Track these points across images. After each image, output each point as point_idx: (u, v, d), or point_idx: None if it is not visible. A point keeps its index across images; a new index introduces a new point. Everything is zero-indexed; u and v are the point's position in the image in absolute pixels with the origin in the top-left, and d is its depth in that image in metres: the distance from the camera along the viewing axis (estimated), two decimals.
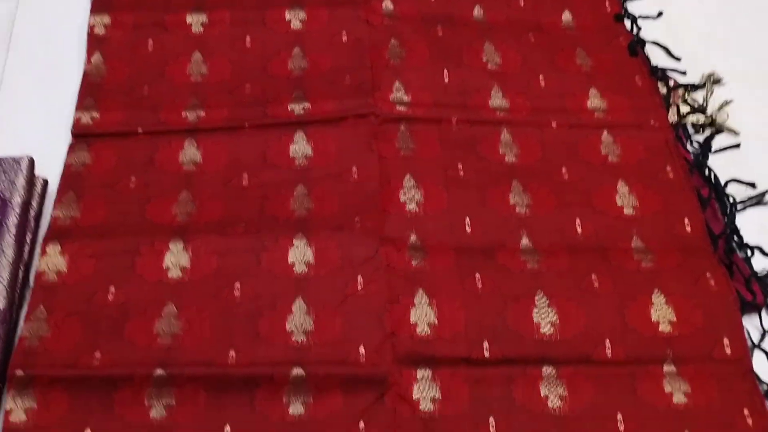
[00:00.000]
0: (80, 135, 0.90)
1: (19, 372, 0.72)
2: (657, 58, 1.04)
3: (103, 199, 0.85)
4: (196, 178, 0.88)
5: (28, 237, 0.82)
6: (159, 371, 0.73)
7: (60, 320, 0.76)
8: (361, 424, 0.73)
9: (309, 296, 0.79)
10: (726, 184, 0.92)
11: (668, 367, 0.77)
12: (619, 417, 0.74)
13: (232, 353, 0.75)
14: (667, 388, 0.76)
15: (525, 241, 0.85)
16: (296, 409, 0.73)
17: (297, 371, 0.74)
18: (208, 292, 0.79)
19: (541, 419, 0.74)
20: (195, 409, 0.72)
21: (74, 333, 0.75)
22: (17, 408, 0.71)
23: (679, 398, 0.76)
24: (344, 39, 1.00)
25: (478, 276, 0.82)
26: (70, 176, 0.87)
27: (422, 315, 0.79)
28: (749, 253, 0.87)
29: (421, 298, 0.80)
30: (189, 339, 0.76)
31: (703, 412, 0.75)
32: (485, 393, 0.75)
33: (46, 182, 0.87)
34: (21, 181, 0.83)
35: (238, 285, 0.80)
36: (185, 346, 0.75)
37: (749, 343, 0.79)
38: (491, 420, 0.74)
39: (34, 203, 0.84)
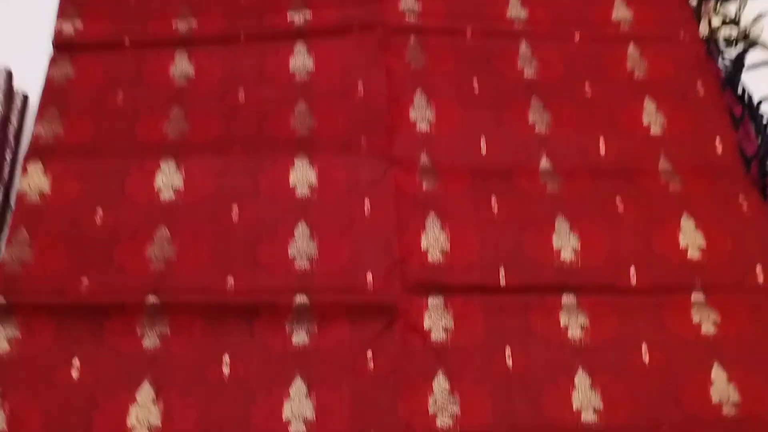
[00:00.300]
0: (62, 46, 0.83)
1: (1, 299, 0.67)
2: None
3: (89, 116, 0.79)
4: (188, 94, 0.81)
5: (8, 155, 0.76)
6: (152, 298, 0.68)
7: (44, 244, 0.71)
8: (369, 354, 0.68)
9: (312, 220, 0.74)
10: (760, 102, 0.85)
11: (697, 296, 0.72)
12: (644, 348, 0.70)
13: (231, 280, 0.70)
14: (695, 318, 0.71)
15: (544, 163, 0.78)
16: (299, 338, 0.68)
17: (300, 299, 0.69)
18: (203, 215, 0.73)
19: (560, 350, 0.69)
20: (191, 338, 0.68)
21: (59, 258, 0.70)
22: None
23: (707, 328, 0.71)
24: None
25: (494, 200, 0.76)
26: (52, 91, 0.80)
27: (434, 241, 0.73)
28: None
29: (432, 223, 0.74)
30: (183, 265, 0.71)
31: (732, 343, 0.70)
32: (501, 322, 0.70)
33: (26, 97, 0.80)
34: None
35: (235, 208, 0.74)
36: (179, 273, 0.70)
37: None
38: (507, 350, 0.69)
39: (14, 119, 0.78)
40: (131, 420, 0.64)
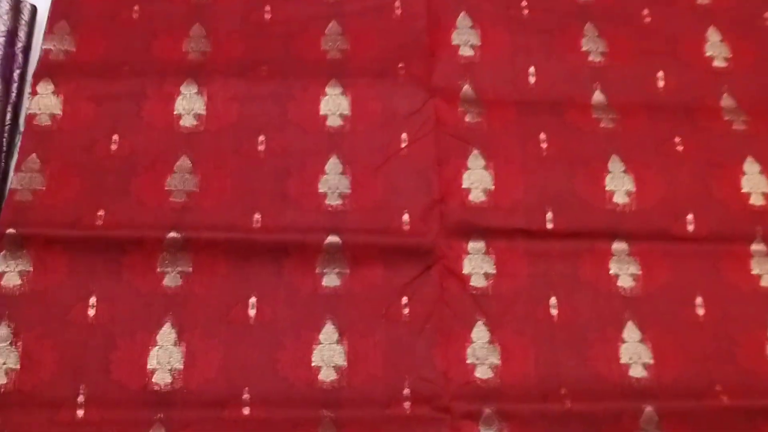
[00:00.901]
0: None
1: (11, 230, 0.62)
2: None
3: (102, 32, 0.72)
4: (209, 10, 0.74)
5: (16, 72, 0.70)
6: (172, 234, 0.63)
7: (56, 171, 0.65)
8: (404, 300, 0.64)
9: (345, 154, 0.68)
10: None
11: (757, 246, 0.67)
12: (699, 300, 0.65)
13: (257, 216, 0.65)
14: (755, 270, 0.66)
15: (598, 96, 0.72)
16: (330, 280, 0.64)
17: (332, 239, 0.64)
18: (227, 144, 0.68)
19: (609, 300, 0.65)
20: (214, 278, 0.63)
21: (73, 187, 0.65)
22: (11, 271, 0.62)
23: (767, 281, 0.66)
24: None
25: (542, 135, 0.70)
26: (62, 2, 0.73)
27: (476, 179, 0.68)
28: None
29: (475, 160, 0.68)
30: (206, 198, 0.65)
31: None
32: (546, 269, 0.65)
33: (34, 8, 0.74)
34: (4, 6, 0.70)
35: (262, 138, 0.68)
36: (202, 207, 0.65)
37: None
38: (552, 299, 0.65)
39: (21, 33, 0.71)
40: (152, 362, 0.61)
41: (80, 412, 0.59)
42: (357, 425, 0.60)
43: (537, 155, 0.69)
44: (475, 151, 0.68)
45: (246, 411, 0.60)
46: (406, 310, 0.63)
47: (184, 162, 0.67)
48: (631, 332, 0.64)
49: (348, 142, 0.68)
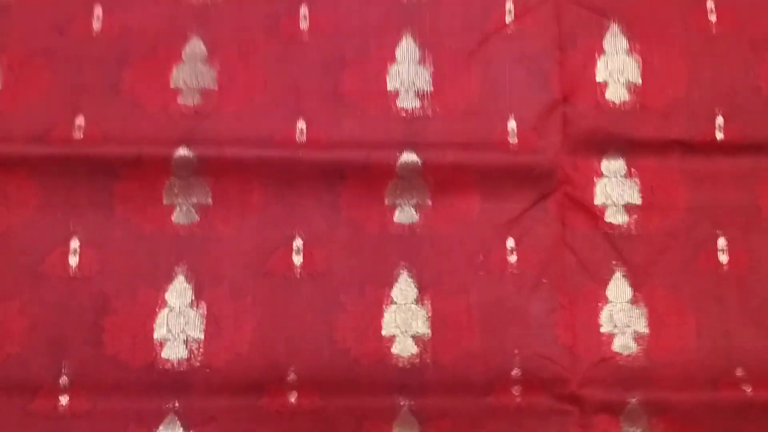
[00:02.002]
0: None
1: None
2: None
3: None
4: None
5: None
6: (182, 151, 0.45)
7: (16, 63, 0.46)
8: (510, 243, 0.45)
9: (424, 32, 0.48)
10: None
11: None
12: None
13: (301, 125, 0.46)
14: None
15: None
16: (405, 215, 0.45)
17: (407, 157, 0.45)
18: (256, 20, 0.48)
19: None
20: (244, 212, 0.45)
21: (40, 85, 0.46)
22: None
23: None
24: None
25: (710, 4, 0.48)
26: None
27: (616, 69, 0.47)
28: None
29: (614, 41, 0.48)
30: (229, 99, 0.46)
31: None
32: (712, 197, 0.46)
33: None
34: None
35: (304, 10, 0.48)
36: (223, 112, 0.46)
37: None
38: (720, 241, 0.46)
39: None
40: (160, 331, 0.44)
41: (64, 399, 0.43)
42: (446, 418, 0.43)
43: (704, 31, 0.48)
44: (615, 27, 0.48)
45: (292, 398, 0.43)
46: (513, 258, 0.45)
47: (196, 45, 0.47)
48: None
49: (429, 14, 0.48)
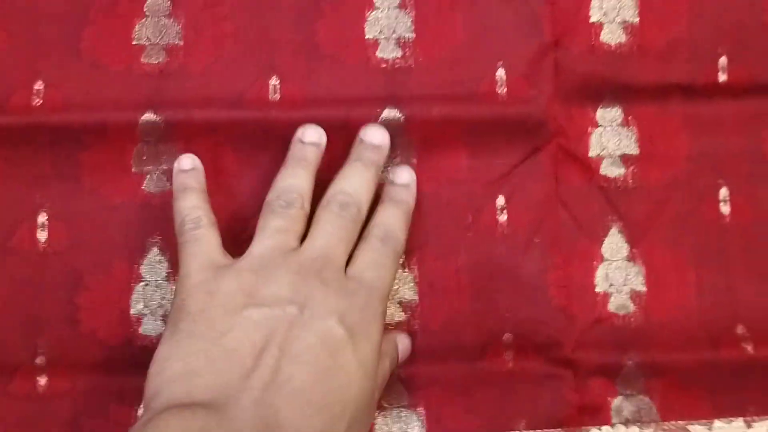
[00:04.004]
0: None
1: None
2: None
3: None
4: None
5: None
6: (149, 115, 0.42)
7: None
8: (500, 201, 0.43)
9: None
10: None
11: None
12: None
13: (274, 82, 0.43)
14: None
15: None
16: (389, 176, 0.43)
17: (389, 113, 0.42)
18: None
19: None
20: (216, 177, 0.42)
21: None
22: None
23: None
24: None
25: None
26: None
27: (612, 7, 0.43)
28: None
29: None
30: (195, 56, 0.43)
31: None
32: (716, 145, 0.43)
33: None
34: None
35: None
36: (190, 70, 0.43)
37: None
38: (722, 191, 0.43)
39: None
40: (136, 306, 0.42)
41: (42, 380, 0.41)
42: (436, 385, 0.41)
43: None
44: None
45: None
46: (503, 217, 0.43)
47: None
48: None
49: None
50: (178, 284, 0.36)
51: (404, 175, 0.41)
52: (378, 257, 0.38)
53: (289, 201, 0.38)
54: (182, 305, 0.34)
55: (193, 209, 0.38)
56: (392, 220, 0.39)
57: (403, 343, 0.40)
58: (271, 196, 0.38)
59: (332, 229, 0.37)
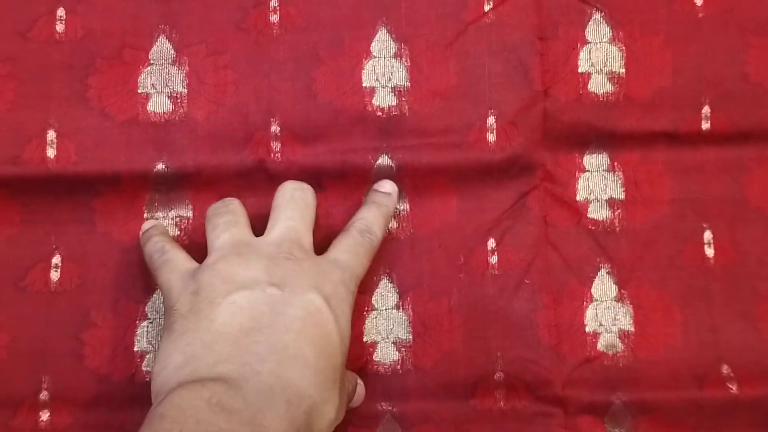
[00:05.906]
0: None
1: None
2: None
3: None
4: None
5: None
6: (160, 166, 0.44)
7: None
8: (491, 244, 0.44)
9: (398, 24, 0.45)
10: None
11: None
12: None
13: (275, 128, 0.44)
14: None
15: None
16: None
17: (382, 161, 0.44)
18: (223, 12, 0.46)
19: None
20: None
21: (5, 97, 0.45)
22: None
23: None
24: None
25: None
26: None
27: (599, 59, 0.45)
28: None
29: (597, 29, 0.45)
30: (198, 102, 0.45)
31: None
32: (699, 189, 0.45)
33: None
34: None
35: (275, 3, 0.46)
36: (193, 117, 0.44)
37: None
38: (707, 235, 0.44)
39: None
40: (140, 343, 0.43)
41: (45, 415, 0.43)
42: (429, 423, 0.43)
43: (689, 17, 0.45)
44: (598, 15, 0.45)
45: None
46: (494, 259, 0.44)
47: (162, 44, 0.45)
48: None
49: (404, 3, 0.46)
50: (165, 300, 0.38)
51: (387, 186, 0.43)
52: (354, 244, 0.40)
53: (225, 201, 0.41)
54: (172, 312, 0.36)
55: (156, 243, 0.41)
56: (372, 217, 0.41)
57: (361, 385, 0.42)
58: (209, 210, 0.41)
59: (291, 213, 0.39)
